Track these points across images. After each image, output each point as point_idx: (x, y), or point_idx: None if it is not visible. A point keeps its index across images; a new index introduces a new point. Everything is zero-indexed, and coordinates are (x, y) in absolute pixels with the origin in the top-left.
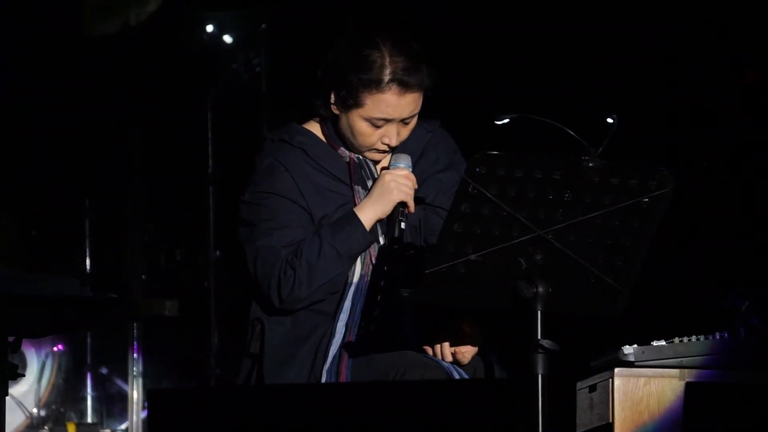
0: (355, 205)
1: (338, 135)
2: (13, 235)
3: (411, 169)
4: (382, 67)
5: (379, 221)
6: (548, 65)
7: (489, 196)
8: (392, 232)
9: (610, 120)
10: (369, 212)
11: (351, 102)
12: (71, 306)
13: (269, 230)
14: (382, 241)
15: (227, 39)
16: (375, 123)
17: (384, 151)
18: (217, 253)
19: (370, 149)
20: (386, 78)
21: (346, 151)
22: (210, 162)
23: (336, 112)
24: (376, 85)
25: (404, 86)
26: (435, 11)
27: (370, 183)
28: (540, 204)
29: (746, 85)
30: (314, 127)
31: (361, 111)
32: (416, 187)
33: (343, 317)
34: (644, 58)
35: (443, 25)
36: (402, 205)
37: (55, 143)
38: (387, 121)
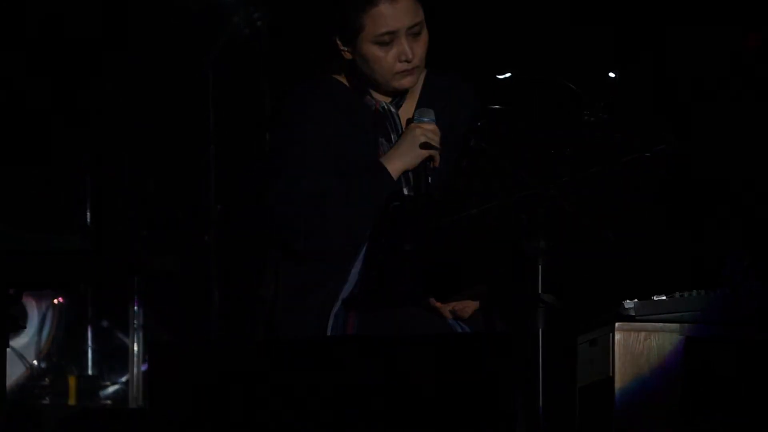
0: (378, 156)
1: (364, 81)
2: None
3: (434, 122)
4: None
5: (404, 174)
6: (551, 21)
7: (490, 151)
8: (420, 187)
9: (611, 74)
10: (397, 163)
11: (352, 32)
12: (72, 260)
13: (293, 178)
14: (406, 192)
15: None
16: (382, 41)
17: (408, 72)
18: (219, 207)
19: (394, 75)
20: None
21: (373, 99)
22: (211, 117)
23: (348, 56)
24: (366, 2)
25: None
26: None
27: (394, 137)
28: (542, 159)
29: (748, 48)
30: (341, 77)
31: (365, 35)
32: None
33: (358, 265)
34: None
35: None
36: (429, 159)
37: (55, 100)
38: (392, 34)
